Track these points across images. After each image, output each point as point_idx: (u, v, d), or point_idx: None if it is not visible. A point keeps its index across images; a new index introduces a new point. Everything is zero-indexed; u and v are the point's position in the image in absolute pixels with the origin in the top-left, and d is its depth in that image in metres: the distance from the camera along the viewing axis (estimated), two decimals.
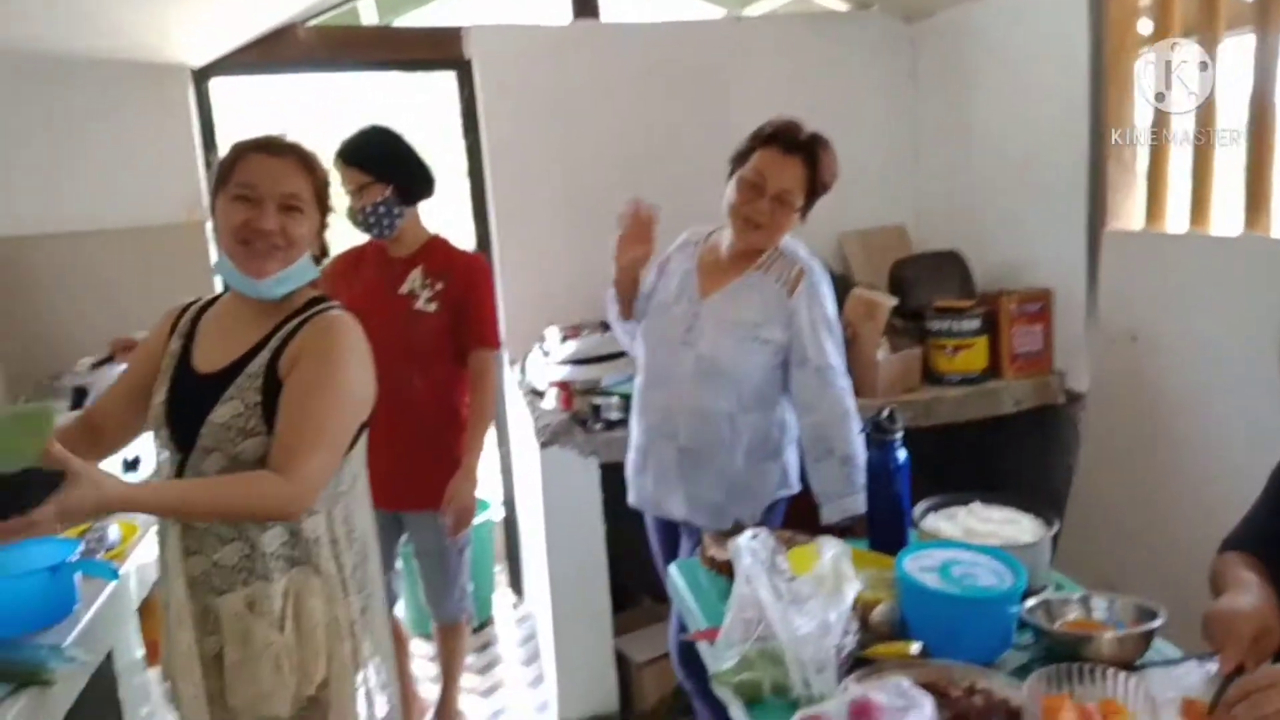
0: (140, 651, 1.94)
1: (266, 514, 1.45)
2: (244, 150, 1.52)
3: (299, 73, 3.36)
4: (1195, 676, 1.31)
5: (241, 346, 1.52)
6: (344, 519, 1.57)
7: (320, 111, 3.68)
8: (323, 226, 1.59)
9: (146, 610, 1.95)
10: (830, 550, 1.47)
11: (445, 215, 3.67)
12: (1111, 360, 2.64)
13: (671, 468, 2.15)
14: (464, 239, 3.40)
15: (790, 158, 1.99)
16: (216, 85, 3.12)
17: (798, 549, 1.68)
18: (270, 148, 1.52)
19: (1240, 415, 2.24)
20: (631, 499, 2.29)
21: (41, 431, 1.25)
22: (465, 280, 2.41)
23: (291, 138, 1.56)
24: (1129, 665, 1.31)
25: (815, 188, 2.02)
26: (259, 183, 1.48)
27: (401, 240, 2.42)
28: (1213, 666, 1.28)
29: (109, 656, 1.78)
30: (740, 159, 2.04)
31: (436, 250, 2.45)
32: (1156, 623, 1.34)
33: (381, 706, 1.65)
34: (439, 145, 3.63)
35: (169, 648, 1.58)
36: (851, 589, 1.39)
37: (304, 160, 1.54)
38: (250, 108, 3.32)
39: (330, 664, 1.53)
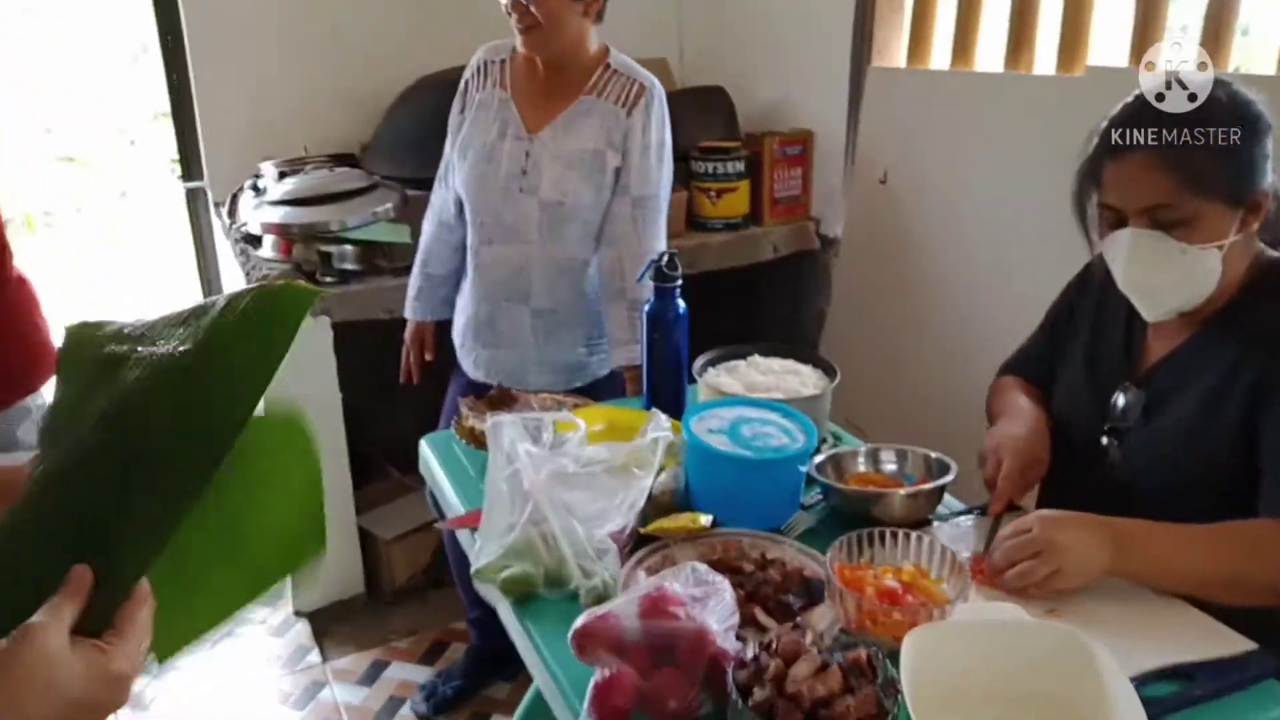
0: None
1: None
2: None
3: None
4: (980, 528, 1.26)
5: None
6: None
7: None
8: None
9: None
10: (657, 431, 1.28)
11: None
12: (865, 204, 2.61)
13: (526, 334, 1.92)
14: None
15: None
16: None
17: (621, 411, 1.51)
18: None
19: (988, 254, 2.26)
20: (476, 374, 2.00)
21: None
22: None
23: None
24: (921, 522, 1.24)
25: None
26: None
27: None
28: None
29: None
30: None
31: None
32: (949, 477, 1.27)
33: None
34: None
35: None
36: (650, 475, 1.21)
37: None
38: None
39: None
